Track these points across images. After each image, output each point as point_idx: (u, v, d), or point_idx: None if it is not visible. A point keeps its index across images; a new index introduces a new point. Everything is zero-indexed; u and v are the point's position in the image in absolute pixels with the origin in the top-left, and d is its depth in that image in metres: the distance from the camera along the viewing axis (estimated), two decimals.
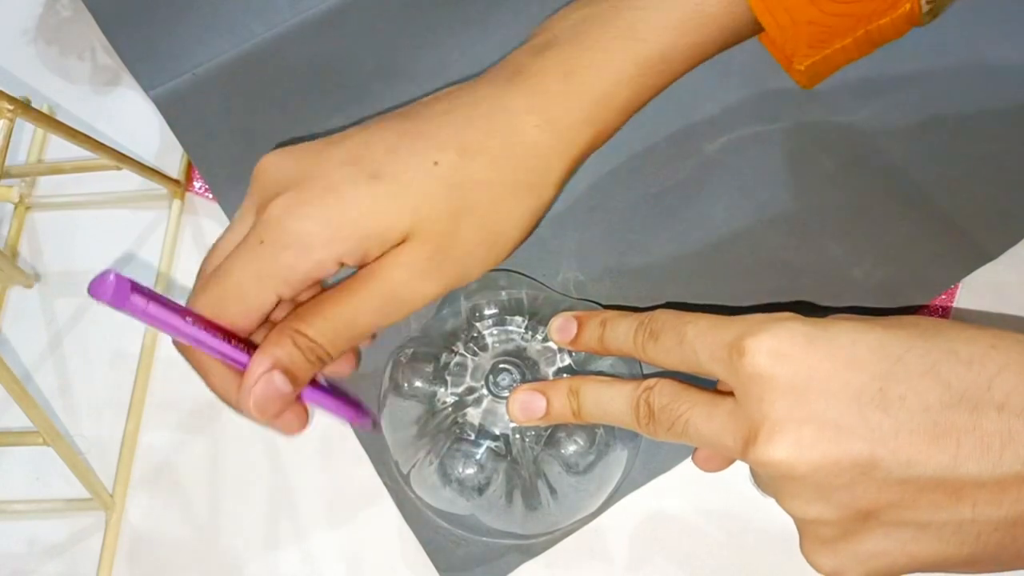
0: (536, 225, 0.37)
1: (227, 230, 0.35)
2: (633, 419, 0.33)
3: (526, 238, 0.37)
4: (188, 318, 0.32)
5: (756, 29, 0.38)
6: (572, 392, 0.35)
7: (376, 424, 0.40)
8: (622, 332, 0.35)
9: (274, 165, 0.34)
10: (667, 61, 0.36)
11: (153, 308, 0.31)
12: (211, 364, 0.34)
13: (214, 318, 0.33)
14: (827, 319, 0.30)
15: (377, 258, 0.34)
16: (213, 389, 0.35)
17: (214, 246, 0.36)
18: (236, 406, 0.34)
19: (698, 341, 0.31)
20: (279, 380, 0.33)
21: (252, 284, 0.33)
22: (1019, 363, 0.27)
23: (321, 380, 0.37)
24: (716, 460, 0.36)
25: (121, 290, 0.30)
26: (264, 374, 0.33)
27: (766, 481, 0.30)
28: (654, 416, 0.32)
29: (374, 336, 0.36)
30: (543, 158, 0.35)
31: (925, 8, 0.38)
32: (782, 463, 0.28)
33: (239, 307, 0.33)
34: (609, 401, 0.34)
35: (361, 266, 0.34)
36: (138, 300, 0.30)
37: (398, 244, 0.33)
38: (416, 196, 0.33)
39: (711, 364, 0.31)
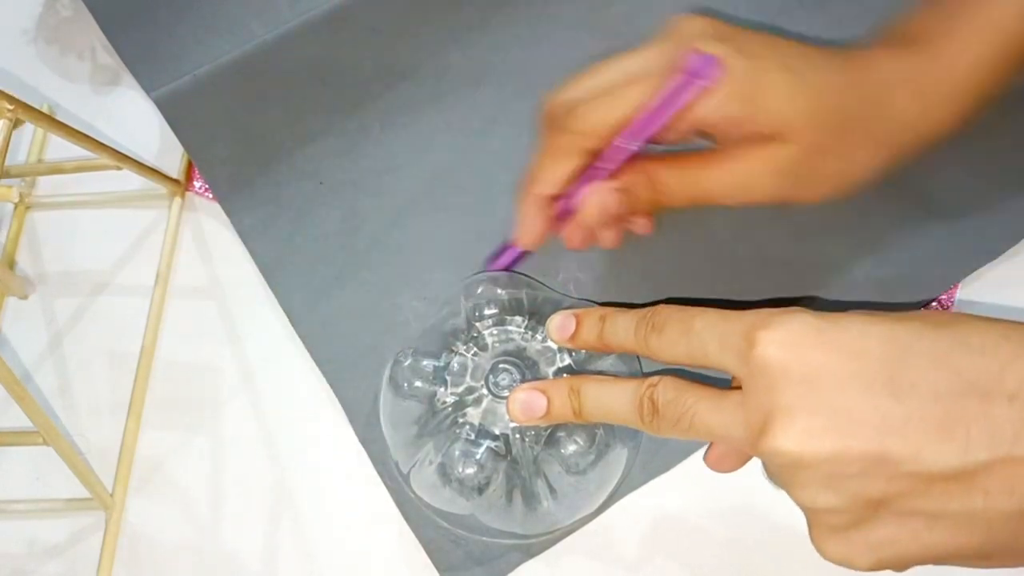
0: (876, 174, 0.38)
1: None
2: (636, 416, 0.33)
3: (864, 182, 0.38)
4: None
5: None
6: (573, 391, 0.35)
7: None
8: (622, 327, 0.35)
9: (694, 18, 0.37)
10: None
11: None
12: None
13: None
14: (837, 313, 0.30)
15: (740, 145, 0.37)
16: (528, 201, 0.39)
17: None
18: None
19: (707, 332, 0.31)
20: (616, 199, 0.37)
21: (637, 84, 0.36)
22: None
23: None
24: (730, 459, 0.35)
25: (709, 68, 0.35)
26: (609, 190, 0.37)
27: (776, 471, 0.30)
28: (659, 412, 0.32)
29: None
30: (907, 125, 0.37)
31: None
32: (792, 453, 0.28)
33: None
34: (611, 399, 0.34)
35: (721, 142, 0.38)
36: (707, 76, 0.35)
37: (764, 141, 0.36)
38: (819, 104, 0.36)
39: (720, 354, 0.31)
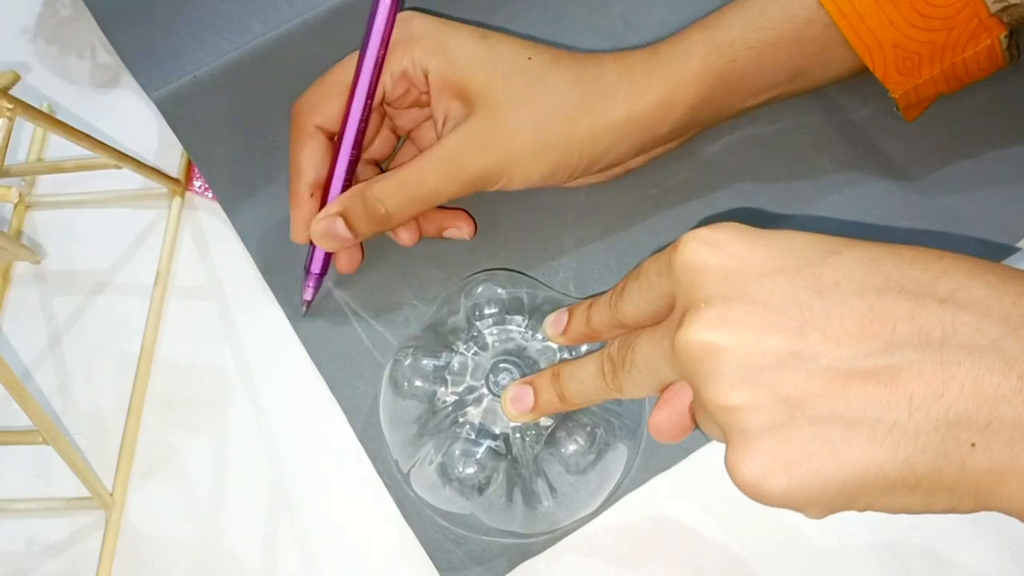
0: (593, 154, 0.41)
1: None
2: (602, 381, 0.32)
3: (581, 164, 0.41)
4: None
5: (850, 57, 0.41)
6: (555, 377, 0.35)
7: (307, 304, 0.45)
8: (603, 304, 0.34)
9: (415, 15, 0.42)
10: (734, 48, 0.41)
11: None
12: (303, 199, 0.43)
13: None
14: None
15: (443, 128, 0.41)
16: (294, 201, 0.43)
17: None
18: (295, 231, 0.43)
19: (649, 267, 0.31)
20: (340, 226, 0.41)
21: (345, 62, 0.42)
22: (969, 265, 0.26)
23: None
24: (671, 422, 0.31)
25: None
26: (330, 216, 0.41)
27: (690, 369, 0.28)
28: (614, 365, 0.32)
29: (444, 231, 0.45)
30: (613, 89, 0.41)
31: (1004, 44, 0.40)
32: (705, 341, 0.27)
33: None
34: (583, 373, 0.34)
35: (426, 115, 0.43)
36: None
37: (465, 116, 0.40)
38: (503, 67, 0.40)
39: (657, 279, 0.30)
